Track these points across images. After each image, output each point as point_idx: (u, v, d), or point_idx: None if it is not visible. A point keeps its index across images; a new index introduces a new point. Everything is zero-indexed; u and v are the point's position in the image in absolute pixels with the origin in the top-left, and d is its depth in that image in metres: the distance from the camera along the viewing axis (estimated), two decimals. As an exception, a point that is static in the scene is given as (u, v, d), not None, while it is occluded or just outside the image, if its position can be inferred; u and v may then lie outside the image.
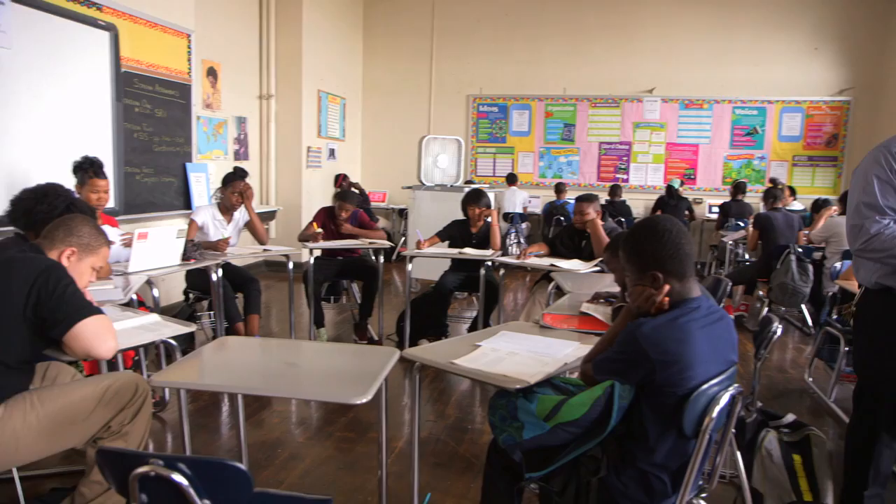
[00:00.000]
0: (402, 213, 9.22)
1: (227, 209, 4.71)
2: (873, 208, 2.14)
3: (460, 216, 5.00)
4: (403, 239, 8.92)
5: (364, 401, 1.77)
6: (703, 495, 1.94)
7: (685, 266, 1.76)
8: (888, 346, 2.26)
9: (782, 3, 8.89)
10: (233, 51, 7.28)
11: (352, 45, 9.80)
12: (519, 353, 2.15)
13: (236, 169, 4.78)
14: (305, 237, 4.98)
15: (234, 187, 4.63)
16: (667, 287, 1.74)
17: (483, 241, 4.86)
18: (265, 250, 4.84)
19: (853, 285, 3.77)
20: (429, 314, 4.85)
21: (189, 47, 5.96)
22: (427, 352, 2.31)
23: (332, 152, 9.12)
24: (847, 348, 3.85)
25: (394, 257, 8.39)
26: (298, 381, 2.13)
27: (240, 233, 4.86)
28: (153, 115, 5.56)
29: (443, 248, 4.95)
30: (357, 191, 8.18)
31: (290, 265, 4.79)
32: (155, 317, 2.62)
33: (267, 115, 8.02)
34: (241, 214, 4.79)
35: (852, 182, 2.29)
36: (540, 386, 1.94)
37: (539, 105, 9.67)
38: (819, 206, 6.44)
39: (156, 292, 3.63)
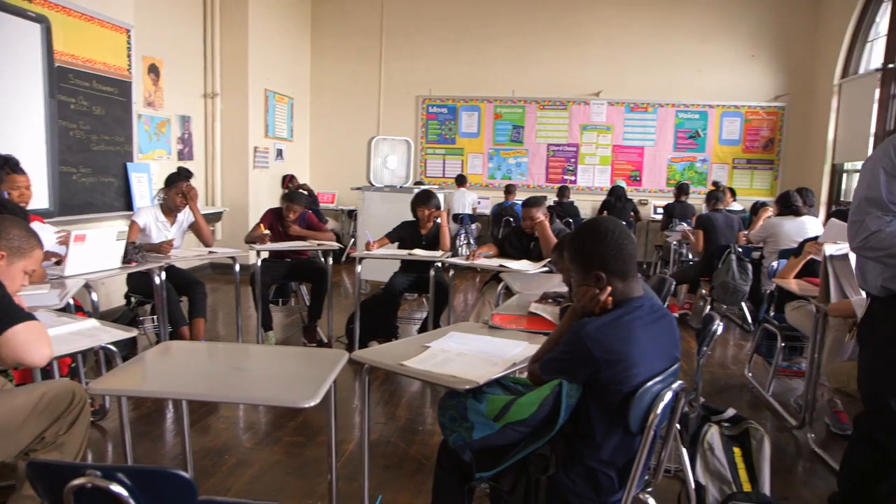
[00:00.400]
0: (352, 215, 9.15)
1: (170, 210, 4.58)
2: (876, 204, 2.00)
3: (410, 217, 4.99)
4: (353, 240, 8.85)
5: (312, 404, 1.74)
6: (649, 490, 1.98)
7: (628, 266, 1.79)
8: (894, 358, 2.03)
9: (721, 12, 9.18)
10: (176, 48, 7.08)
11: (299, 44, 9.67)
12: (468, 353, 2.16)
13: (180, 169, 4.66)
14: (252, 239, 4.89)
15: (177, 188, 4.51)
16: (609, 287, 1.77)
17: (432, 242, 4.86)
18: (210, 252, 4.73)
19: (790, 283, 3.92)
20: (378, 316, 4.83)
21: (129, 43, 5.77)
22: (377, 354, 2.30)
23: (279, 153, 8.98)
24: (783, 344, 4.00)
25: (343, 259, 8.31)
26: (245, 385, 2.08)
27: (184, 234, 4.73)
28: (91, 112, 5.36)
29: (392, 250, 4.93)
30: (305, 192, 8.07)
31: (237, 267, 4.70)
32: (93, 322, 2.52)
33: (212, 114, 7.83)
34: (185, 216, 4.67)
35: (860, 176, 2.14)
36: (489, 386, 1.95)
37: (488, 106, 9.73)
38: (757, 207, 6.69)
39: (94, 296, 3.50)
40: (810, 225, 5.27)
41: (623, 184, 9.09)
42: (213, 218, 7.60)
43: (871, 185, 2.02)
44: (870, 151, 7.40)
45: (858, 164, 7.89)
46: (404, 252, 4.79)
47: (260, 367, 2.27)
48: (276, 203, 7.36)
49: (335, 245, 5.02)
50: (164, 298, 4.13)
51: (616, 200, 8.58)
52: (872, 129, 7.37)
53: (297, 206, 5.02)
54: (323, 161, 10.15)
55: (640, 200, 9.32)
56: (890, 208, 1.98)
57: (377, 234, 4.96)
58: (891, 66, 7.15)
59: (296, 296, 5.67)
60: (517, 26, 9.51)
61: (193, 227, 4.72)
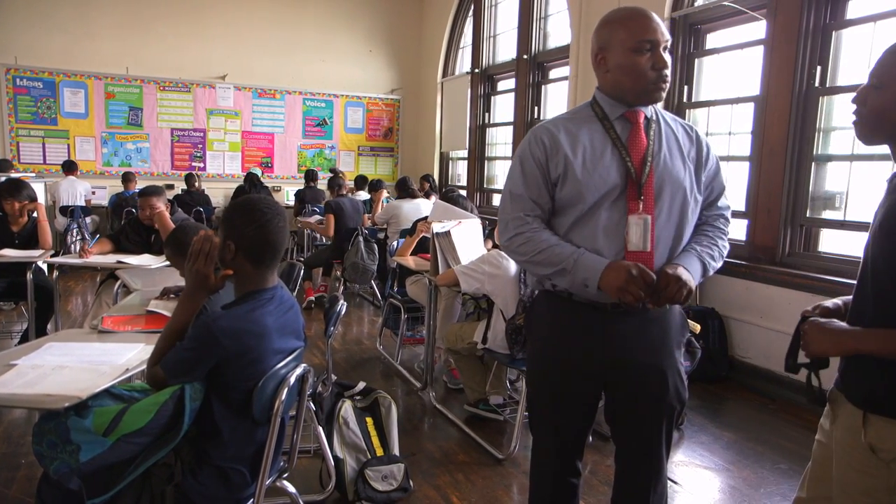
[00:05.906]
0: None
1: None
2: (519, 200, 1.79)
3: (-6, 212, 4.17)
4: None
5: None
6: (286, 475, 1.98)
7: (263, 253, 1.74)
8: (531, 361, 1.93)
9: (341, 7, 9.63)
10: None
11: None
12: (69, 365, 1.87)
13: None
14: None
15: None
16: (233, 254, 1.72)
17: (28, 239, 4.16)
18: None
19: (407, 260, 4.32)
20: (-42, 334, 3.94)
21: None
22: (-58, 382, 1.84)
23: None
24: (406, 316, 4.40)
25: None
26: None
27: None
28: None
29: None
30: None
31: None
32: None
33: None
34: None
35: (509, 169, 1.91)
36: (96, 399, 1.71)
37: (98, 84, 8.59)
38: (375, 186, 7.31)
39: None
40: (424, 206, 5.90)
41: (258, 171, 8.97)
42: None
43: (513, 179, 1.83)
44: (467, 143, 8.62)
45: (461, 153, 9.14)
46: (-12, 254, 3.98)
47: None
48: None
49: None
50: None
51: (251, 187, 8.43)
52: (468, 123, 8.58)
53: None
54: None
55: (274, 187, 9.32)
56: (533, 206, 1.78)
57: (-52, 234, 4.03)
58: (476, 70, 8.41)
59: None
60: (126, -3, 8.57)
61: None
